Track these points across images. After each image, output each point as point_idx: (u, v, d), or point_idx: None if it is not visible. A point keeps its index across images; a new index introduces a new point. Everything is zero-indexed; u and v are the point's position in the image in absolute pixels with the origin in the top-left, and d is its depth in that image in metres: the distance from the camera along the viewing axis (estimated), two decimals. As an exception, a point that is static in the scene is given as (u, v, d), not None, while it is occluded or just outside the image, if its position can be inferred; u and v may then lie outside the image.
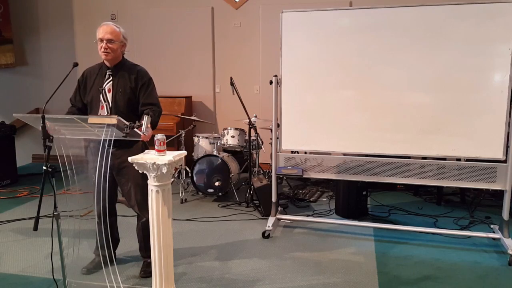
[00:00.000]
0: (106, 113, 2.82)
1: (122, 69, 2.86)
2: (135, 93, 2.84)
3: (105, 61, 2.86)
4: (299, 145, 3.78)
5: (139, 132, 2.41)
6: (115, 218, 3.11)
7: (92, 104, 2.86)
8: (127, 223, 3.63)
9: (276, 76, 3.69)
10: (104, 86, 2.83)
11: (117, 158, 2.78)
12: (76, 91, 2.93)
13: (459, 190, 4.70)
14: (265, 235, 3.68)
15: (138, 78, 2.84)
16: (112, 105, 2.81)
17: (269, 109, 3.83)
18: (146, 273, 2.94)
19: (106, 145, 2.39)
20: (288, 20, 3.59)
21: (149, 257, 2.84)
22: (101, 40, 2.75)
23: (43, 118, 2.29)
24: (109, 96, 2.82)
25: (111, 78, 2.84)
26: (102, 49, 2.75)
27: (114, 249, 3.13)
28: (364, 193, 4.19)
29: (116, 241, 3.15)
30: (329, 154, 3.95)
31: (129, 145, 2.76)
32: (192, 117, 5.15)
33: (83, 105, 2.92)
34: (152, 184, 2.34)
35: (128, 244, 3.41)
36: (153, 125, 2.72)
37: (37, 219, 2.26)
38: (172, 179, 3.99)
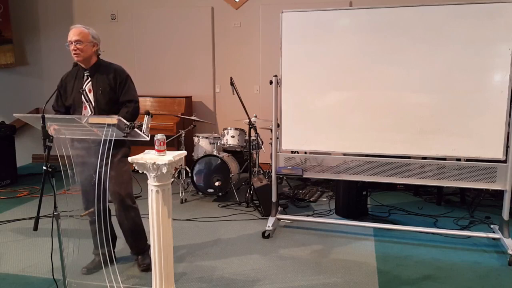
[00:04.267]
0: (90, 112, 2.89)
1: (99, 69, 2.93)
2: (115, 91, 2.92)
3: (80, 63, 2.90)
4: (299, 145, 3.78)
5: (140, 132, 2.42)
6: (109, 216, 3.10)
7: (74, 106, 2.92)
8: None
9: (276, 76, 3.69)
10: (84, 87, 2.89)
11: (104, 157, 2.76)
12: (57, 97, 2.99)
13: (459, 190, 4.70)
14: (265, 235, 3.68)
15: (116, 76, 2.92)
16: (94, 104, 2.88)
17: (269, 109, 3.83)
18: (145, 265, 3.00)
19: (106, 146, 2.40)
20: (288, 20, 3.59)
21: (141, 251, 3.03)
22: (71, 43, 2.83)
23: (43, 118, 2.29)
24: (91, 96, 2.89)
25: (89, 79, 2.90)
26: (72, 51, 2.82)
27: (113, 245, 3.14)
28: (364, 193, 4.19)
29: (114, 238, 3.17)
30: (329, 154, 3.94)
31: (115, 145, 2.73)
32: (192, 117, 5.15)
33: (65, 109, 2.97)
34: (152, 184, 2.34)
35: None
36: (130, 120, 2.74)
37: (37, 219, 2.27)
38: (172, 179, 3.99)
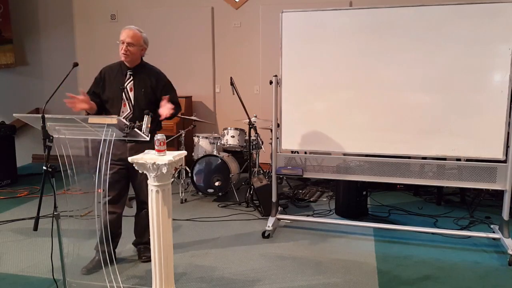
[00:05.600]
0: (128, 110, 2.98)
1: (142, 70, 3.04)
2: (156, 93, 3.02)
3: (125, 62, 3.01)
4: (299, 145, 3.78)
5: (140, 133, 2.42)
6: (121, 212, 3.15)
7: (112, 100, 3.00)
8: (127, 222, 3.61)
9: (276, 76, 3.69)
10: (125, 85, 2.99)
11: (135, 152, 2.79)
12: (92, 86, 3.06)
13: (459, 190, 4.70)
14: (265, 235, 3.68)
15: (159, 79, 3.05)
16: (134, 103, 2.98)
17: (269, 109, 3.83)
18: (146, 258, 3.11)
19: (101, 145, 2.40)
20: (288, 20, 3.59)
21: (145, 242, 3.14)
22: (123, 42, 2.93)
23: (43, 118, 2.29)
24: (131, 94, 2.99)
25: (131, 78, 3.00)
26: (122, 51, 2.93)
27: (116, 243, 3.17)
28: (364, 193, 4.19)
29: (118, 236, 3.18)
30: (329, 154, 3.95)
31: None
32: (192, 117, 5.15)
33: (100, 101, 3.03)
34: (152, 184, 2.34)
35: (128, 243, 3.41)
36: (173, 114, 2.94)
37: (37, 219, 2.26)
38: (172, 179, 3.99)
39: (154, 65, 3.17)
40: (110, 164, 2.76)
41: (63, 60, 6.33)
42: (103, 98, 3.02)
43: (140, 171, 2.93)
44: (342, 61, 3.54)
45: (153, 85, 3.01)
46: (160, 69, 3.14)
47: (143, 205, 3.11)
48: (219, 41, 6.01)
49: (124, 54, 2.93)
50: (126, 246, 3.39)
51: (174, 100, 3.02)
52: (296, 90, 3.68)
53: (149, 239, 2.46)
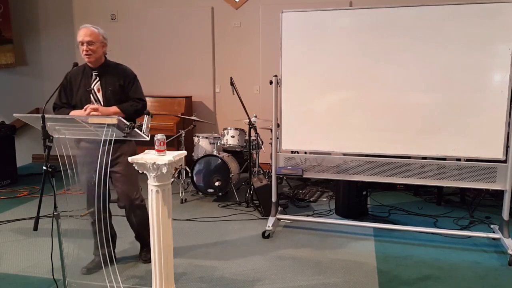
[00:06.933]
0: None
1: (108, 69, 2.95)
2: (124, 90, 2.95)
3: (89, 63, 2.91)
4: (299, 145, 3.79)
5: (140, 132, 2.42)
6: (109, 215, 3.12)
7: (82, 104, 2.89)
8: (125, 222, 3.61)
9: (276, 76, 3.69)
10: (92, 86, 2.91)
11: (111, 154, 2.76)
12: (61, 93, 2.97)
13: (459, 190, 4.70)
14: (265, 235, 3.68)
15: (126, 76, 2.97)
16: (104, 104, 2.90)
17: (269, 109, 3.83)
18: (148, 259, 3.05)
19: (106, 146, 2.40)
20: (288, 20, 3.59)
21: (146, 244, 3.10)
22: (82, 43, 2.82)
23: (43, 118, 2.29)
24: (100, 95, 2.91)
25: (97, 78, 2.92)
26: (84, 52, 2.83)
27: (113, 244, 3.15)
28: (364, 193, 4.19)
29: (113, 237, 3.17)
30: (329, 154, 3.94)
31: (122, 140, 2.78)
32: (192, 117, 5.15)
33: (69, 107, 2.96)
34: (152, 184, 2.34)
35: (128, 243, 3.42)
36: (131, 112, 2.86)
37: (37, 219, 2.27)
38: (172, 179, 3.99)
39: (154, 65, 3.16)
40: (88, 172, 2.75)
41: (63, 60, 6.32)
42: (71, 103, 2.94)
43: (116, 174, 2.93)
44: (342, 61, 3.54)
45: (121, 83, 2.93)
46: (125, 65, 3.05)
47: (128, 213, 3.08)
48: (219, 41, 6.01)
49: (86, 55, 2.82)
50: (126, 246, 3.39)
51: (139, 96, 2.97)
52: (296, 90, 3.68)
53: (149, 240, 2.45)
